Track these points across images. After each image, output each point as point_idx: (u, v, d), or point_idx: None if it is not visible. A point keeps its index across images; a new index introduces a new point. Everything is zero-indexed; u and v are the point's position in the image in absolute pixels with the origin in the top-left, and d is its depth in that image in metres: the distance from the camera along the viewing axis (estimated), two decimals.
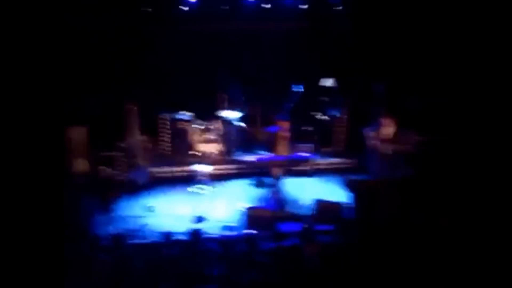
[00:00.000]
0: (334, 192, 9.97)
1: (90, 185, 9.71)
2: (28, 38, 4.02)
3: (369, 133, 9.63)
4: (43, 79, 8.06)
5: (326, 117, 12.23)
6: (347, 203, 8.73)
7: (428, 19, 11.57)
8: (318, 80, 12.43)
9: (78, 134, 10.09)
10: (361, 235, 7.22)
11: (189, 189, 9.24)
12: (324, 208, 8.70)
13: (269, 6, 12.03)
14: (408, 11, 11.66)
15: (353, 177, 10.32)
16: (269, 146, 9.84)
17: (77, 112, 10.31)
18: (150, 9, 11.56)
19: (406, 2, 11.58)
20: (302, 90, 11.06)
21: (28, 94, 4.00)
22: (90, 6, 10.65)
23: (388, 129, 9.57)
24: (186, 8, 11.65)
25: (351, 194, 8.77)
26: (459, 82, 10.90)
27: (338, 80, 12.36)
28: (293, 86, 11.28)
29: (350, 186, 9.05)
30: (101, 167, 10.08)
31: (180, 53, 12.12)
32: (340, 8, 12.31)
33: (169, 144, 11.38)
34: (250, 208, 8.61)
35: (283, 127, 9.46)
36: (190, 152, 11.05)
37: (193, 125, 11.24)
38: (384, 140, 9.53)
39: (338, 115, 12.06)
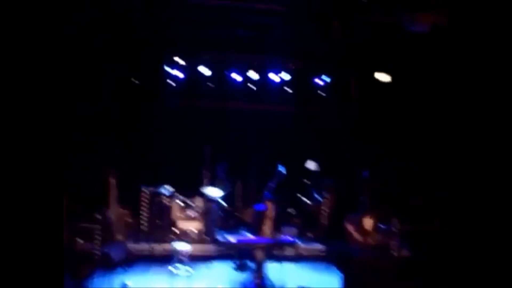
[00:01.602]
0: (318, 279, 9.66)
1: (65, 258, 9.27)
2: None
3: (350, 224, 9.55)
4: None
5: (309, 201, 12.14)
6: None
7: (415, 104, 11.79)
8: (302, 162, 12.42)
9: None
10: None
11: (169, 268, 8.83)
12: None
13: (255, 88, 12.16)
14: (395, 97, 11.88)
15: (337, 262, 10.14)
16: (253, 226, 9.57)
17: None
18: (138, 82, 11.56)
19: (395, 87, 11.82)
20: (285, 172, 11.03)
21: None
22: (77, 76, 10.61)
23: (369, 220, 9.51)
24: (174, 84, 11.70)
25: (340, 274, 8.54)
26: (450, 173, 10.94)
27: (321, 164, 12.36)
28: (277, 166, 11.26)
29: (339, 264, 8.84)
30: (77, 239, 9.68)
31: (166, 127, 12.08)
32: (325, 93, 12.51)
33: (149, 219, 10.99)
34: None
35: (269, 207, 9.26)
36: (170, 229, 10.72)
37: (174, 201, 10.97)
38: (364, 232, 9.44)
39: (321, 199, 11.93)
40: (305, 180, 12.42)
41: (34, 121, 3.97)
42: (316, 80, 12.57)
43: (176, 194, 11.15)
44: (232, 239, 9.46)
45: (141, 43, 11.53)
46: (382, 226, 9.79)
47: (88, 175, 10.67)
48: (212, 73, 11.91)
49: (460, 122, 4.38)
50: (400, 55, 11.68)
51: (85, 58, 10.73)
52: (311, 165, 12.39)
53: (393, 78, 11.85)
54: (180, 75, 11.79)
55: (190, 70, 11.97)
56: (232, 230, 11.30)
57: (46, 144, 3.97)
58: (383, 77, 11.91)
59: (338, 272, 8.78)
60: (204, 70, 11.82)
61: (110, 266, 9.15)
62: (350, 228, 9.52)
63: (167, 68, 11.78)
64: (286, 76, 12.24)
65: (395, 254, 9.56)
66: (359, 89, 12.54)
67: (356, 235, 9.38)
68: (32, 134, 3.96)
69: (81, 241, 9.62)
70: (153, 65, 11.97)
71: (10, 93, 3.84)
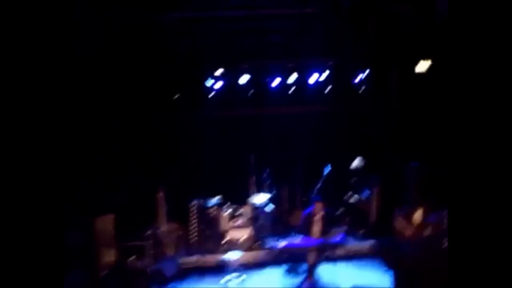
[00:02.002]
0: (371, 277, 9.54)
1: (118, 277, 9.48)
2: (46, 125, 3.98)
3: (398, 218, 9.37)
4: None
5: (355, 199, 11.99)
6: None
7: (458, 94, 11.47)
8: (347, 161, 12.30)
9: (105, 223, 9.88)
10: None
11: (221, 278, 8.90)
12: None
13: (293, 91, 12.13)
14: (437, 87, 11.60)
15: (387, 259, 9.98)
16: (303, 229, 9.54)
17: (103, 200, 10.27)
18: (177, 95, 11.73)
19: (436, 77, 11.54)
20: (329, 171, 10.95)
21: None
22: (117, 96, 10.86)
23: (418, 214, 9.32)
24: (211, 95, 11.81)
25: (391, 271, 8.42)
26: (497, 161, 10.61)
27: (367, 160, 12.20)
28: (322, 167, 11.20)
29: (389, 263, 8.70)
30: (129, 258, 9.88)
31: (208, 138, 12.19)
32: (364, 89, 12.35)
33: (199, 231, 11.08)
34: None
35: (318, 209, 9.22)
36: (220, 239, 10.81)
37: (222, 211, 11.05)
38: (413, 226, 9.24)
39: (368, 196, 11.77)
40: (351, 178, 12.27)
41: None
42: (355, 77, 12.41)
43: (224, 204, 11.22)
44: (282, 244, 9.47)
45: (180, 57, 11.73)
46: (431, 219, 9.55)
47: (136, 193, 10.88)
48: (250, 81, 11.95)
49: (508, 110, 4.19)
50: (439, 45, 11.44)
51: (126, 72, 10.98)
52: (356, 162, 12.25)
53: (433, 69, 11.56)
54: (219, 85, 11.87)
55: (228, 79, 12.06)
56: (282, 235, 11.30)
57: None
58: (423, 67, 11.64)
59: (388, 268, 8.64)
60: (242, 79, 11.88)
61: (163, 281, 9.25)
62: (399, 222, 9.33)
63: (206, 80, 11.90)
64: (323, 76, 12.14)
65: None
66: (399, 82, 12.31)
67: (405, 229, 9.18)
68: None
69: (133, 259, 9.82)
70: (193, 77, 12.12)
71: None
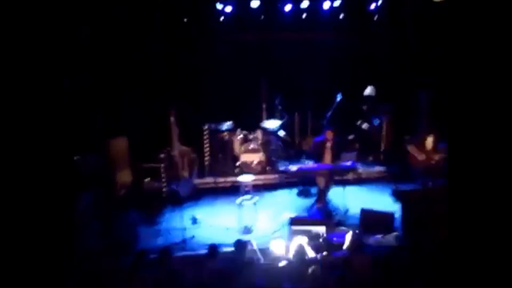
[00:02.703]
0: (379, 201, 9.81)
1: (134, 197, 9.77)
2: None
3: (411, 144, 9.52)
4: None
5: (367, 126, 12.10)
6: (393, 212, 8.62)
7: (470, 23, 11.32)
8: (358, 89, 12.31)
9: (118, 145, 10.07)
10: (410, 247, 7.00)
11: (236, 200, 9.16)
12: (371, 217, 8.55)
13: (306, 17, 11.93)
14: (449, 17, 11.42)
15: (398, 186, 10.23)
16: (314, 154, 9.71)
17: (118, 123, 10.42)
18: (186, 19, 11.57)
19: (447, 8, 11.33)
20: (341, 98, 10.99)
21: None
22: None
23: (430, 140, 9.45)
24: (222, 18, 11.65)
25: (398, 204, 8.67)
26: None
27: (379, 88, 12.21)
28: (333, 95, 11.23)
29: (396, 196, 8.93)
30: (145, 179, 10.15)
31: (220, 63, 12.13)
32: (379, 16, 12.15)
33: (212, 155, 11.29)
34: (294, 218, 8.52)
35: (328, 136, 9.35)
36: (233, 163, 11.03)
37: (234, 136, 11.20)
38: (425, 152, 9.41)
39: (378, 123, 11.88)
40: (363, 106, 12.33)
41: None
42: (369, 4, 12.16)
43: (236, 128, 11.38)
44: (293, 167, 9.66)
45: None
46: (441, 146, 9.72)
47: (150, 117, 11.00)
48: (262, 5, 11.71)
49: None
50: None
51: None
52: (368, 90, 12.28)
53: None
54: (230, 8, 11.64)
55: (240, 3, 11.80)
56: (294, 160, 11.52)
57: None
58: None
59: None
60: (254, 3, 11.62)
61: (179, 201, 9.50)
62: (412, 149, 9.49)
63: (217, 4, 11.66)
64: (337, 3, 11.89)
65: None
66: (412, 10, 12.08)
67: (418, 155, 9.36)
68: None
69: (150, 181, 10.07)
70: (203, 1, 11.90)
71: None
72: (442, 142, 9.72)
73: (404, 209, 8.39)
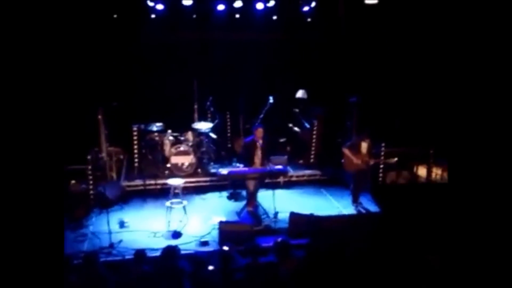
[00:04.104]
0: (309, 204, 9.92)
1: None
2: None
3: (347, 148, 9.69)
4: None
5: (298, 129, 12.24)
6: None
7: (405, 29, 11.67)
8: (290, 91, 12.43)
9: None
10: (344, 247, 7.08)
11: (166, 203, 9.03)
12: (299, 221, 8.61)
13: (239, 17, 11.90)
14: (383, 21, 11.71)
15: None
16: (244, 157, 9.69)
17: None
18: (115, 15, 11.31)
19: (380, 12, 11.62)
20: (273, 101, 11.04)
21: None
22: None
23: (364, 144, 9.66)
24: (153, 16, 11.44)
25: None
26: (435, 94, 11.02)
27: (310, 91, 12.37)
28: (265, 97, 11.26)
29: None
30: (71, 181, 9.83)
31: (151, 63, 11.94)
32: (311, 19, 12.28)
33: (141, 156, 11.09)
34: (223, 223, 8.50)
35: (259, 138, 9.34)
36: (163, 165, 10.87)
37: (165, 137, 11.04)
38: (360, 155, 9.60)
39: (309, 126, 12.02)
40: (295, 109, 12.46)
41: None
42: (303, 6, 12.24)
43: (167, 129, 11.19)
44: (224, 171, 9.62)
45: None
46: (375, 150, 10.02)
47: (76, 116, 10.66)
48: (194, 3, 11.55)
49: (451, 45, 4.28)
50: None
51: None
52: (300, 93, 12.42)
53: (380, 1, 11.60)
54: (161, 6, 11.42)
55: (172, 1, 11.59)
56: (224, 162, 11.48)
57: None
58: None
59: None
60: (186, 1, 11.44)
61: (106, 204, 9.26)
62: (348, 152, 9.65)
63: (148, 1, 11.42)
64: (271, 3, 11.91)
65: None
66: (346, 14, 12.28)
67: (354, 158, 9.54)
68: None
69: (75, 183, 9.76)
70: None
71: None
72: (375, 148, 10.00)
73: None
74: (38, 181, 3.78)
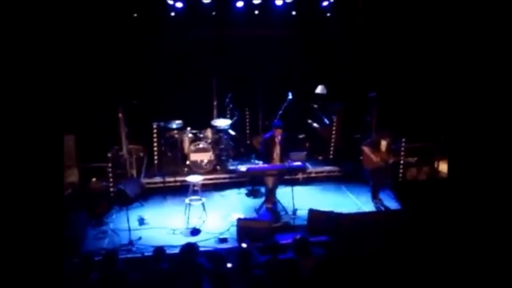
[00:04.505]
0: (328, 201, 9.88)
1: (80, 197, 9.56)
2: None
3: (366, 145, 9.62)
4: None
5: (317, 125, 12.17)
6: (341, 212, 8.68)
7: (423, 24, 11.52)
8: (309, 87, 12.37)
9: (65, 143, 9.69)
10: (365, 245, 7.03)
11: (185, 200, 9.07)
12: (318, 218, 8.58)
13: (258, 13, 11.87)
14: (402, 18, 11.59)
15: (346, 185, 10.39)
16: (263, 153, 9.67)
17: (64, 120, 10.12)
18: (135, 14, 11.36)
19: (399, 8, 11.50)
20: (291, 97, 11.01)
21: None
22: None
23: (384, 142, 9.58)
24: (173, 14, 11.47)
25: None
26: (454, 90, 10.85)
27: (329, 87, 12.30)
28: (284, 93, 11.24)
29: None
30: (92, 179, 9.93)
31: (170, 60, 11.97)
32: (330, 14, 12.21)
33: (161, 154, 11.11)
34: (242, 220, 8.51)
35: (278, 134, 9.31)
36: (183, 162, 10.91)
37: (184, 134, 11.07)
38: (380, 153, 9.52)
39: (328, 122, 11.95)
40: (313, 105, 12.41)
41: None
42: (321, 1, 12.16)
43: (186, 127, 11.22)
44: (242, 167, 9.62)
45: None
46: (395, 147, 9.92)
47: (98, 115, 10.78)
48: (213, 1, 11.55)
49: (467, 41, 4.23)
50: None
51: None
52: (319, 89, 12.36)
53: None
54: (180, 4, 11.45)
55: None
56: (243, 159, 11.48)
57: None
58: None
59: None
60: None
61: (126, 201, 9.34)
62: (367, 150, 9.58)
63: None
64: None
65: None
66: (365, 10, 12.20)
67: (373, 156, 9.46)
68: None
69: (95, 180, 9.86)
70: None
71: None
72: (395, 144, 9.91)
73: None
74: (38, 181, 3.80)
